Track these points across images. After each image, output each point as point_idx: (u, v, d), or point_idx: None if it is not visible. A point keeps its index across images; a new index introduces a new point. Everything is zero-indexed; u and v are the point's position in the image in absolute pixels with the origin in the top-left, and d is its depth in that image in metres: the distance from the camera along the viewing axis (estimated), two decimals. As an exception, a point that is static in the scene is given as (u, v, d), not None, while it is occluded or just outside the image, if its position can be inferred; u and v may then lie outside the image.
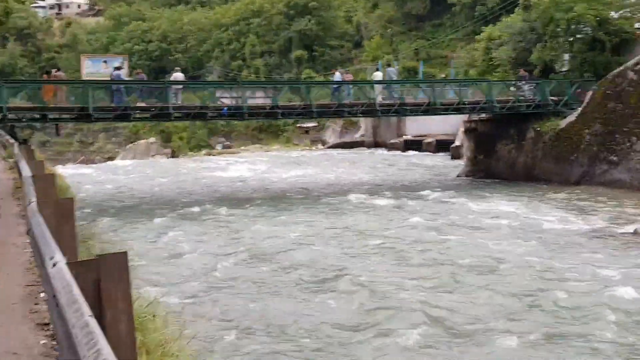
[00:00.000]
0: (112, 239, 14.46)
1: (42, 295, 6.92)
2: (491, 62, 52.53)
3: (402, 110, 31.85)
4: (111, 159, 72.24)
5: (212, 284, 15.41)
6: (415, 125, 50.46)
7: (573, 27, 39.37)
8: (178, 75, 31.89)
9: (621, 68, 31.66)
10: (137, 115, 29.76)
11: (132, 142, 77.05)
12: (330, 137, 65.74)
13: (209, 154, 65.16)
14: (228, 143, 72.22)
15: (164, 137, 75.39)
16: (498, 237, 21.95)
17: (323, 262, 18.28)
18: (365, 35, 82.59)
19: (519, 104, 33.03)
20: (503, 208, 26.97)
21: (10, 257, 8.53)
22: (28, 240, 7.96)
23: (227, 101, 30.46)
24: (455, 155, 44.12)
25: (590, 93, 32.30)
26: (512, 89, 34.13)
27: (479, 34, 61.97)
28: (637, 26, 40.22)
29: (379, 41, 78.60)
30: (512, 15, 55.17)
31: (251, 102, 30.75)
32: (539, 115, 33.27)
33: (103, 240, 11.77)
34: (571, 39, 39.72)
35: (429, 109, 32.08)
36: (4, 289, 7.02)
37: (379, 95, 31.86)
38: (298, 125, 68.82)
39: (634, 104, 30.09)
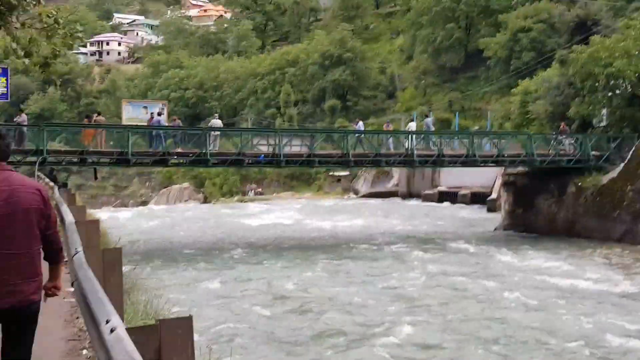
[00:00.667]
0: (153, 287, 14.00)
1: (84, 352, 6.44)
2: (527, 116, 51.99)
3: (440, 161, 31.32)
4: (144, 203, 72.52)
5: (257, 336, 14.88)
6: (450, 177, 49.85)
7: (612, 82, 38.80)
8: (216, 122, 31.76)
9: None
10: (175, 161, 29.50)
11: (165, 187, 77.32)
12: (363, 186, 65.21)
13: (241, 201, 64.97)
14: (260, 190, 71.97)
15: (197, 183, 75.48)
16: (539, 294, 21.20)
17: (355, 312, 18.01)
18: (398, 86, 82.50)
19: (559, 158, 32.32)
20: (543, 264, 26.17)
21: (49, 307, 8.08)
22: (71, 290, 7.50)
23: (263, 148, 30.23)
24: (492, 208, 43.28)
25: (633, 148, 31.57)
26: (552, 142, 33.43)
27: (514, 87, 61.67)
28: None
29: (413, 92, 78.51)
30: (548, 69, 54.81)
31: (287, 149, 30.52)
32: (579, 170, 32.53)
33: (145, 288, 11.32)
34: (610, 94, 39.10)
35: (467, 161, 31.50)
36: (44, 344, 6.54)
37: (415, 146, 31.53)
38: (330, 173, 68.42)
39: (680, 160, 29.32)
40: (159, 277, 20.26)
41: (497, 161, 32.04)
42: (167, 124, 31.43)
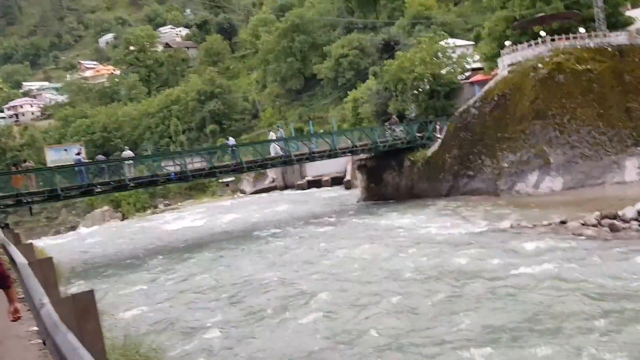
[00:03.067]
0: (112, 304, 11.32)
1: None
2: (359, 116, 51.84)
3: (312, 157, 29.73)
4: (73, 228, 66.00)
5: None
6: (313, 168, 48.41)
7: (416, 83, 39.19)
8: (128, 153, 28.42)
9: (465, 106, 31.05)
10: (99, 190, 25.80)
11: (88, 212, 70.92)
12: (246, 186, 62.65)
13: (154, 213, 60.46)
14: (167, 202, 67.60)
15: (115, 204, 69.77)
16: (396, 239, 20.58)
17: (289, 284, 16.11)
18: (259, 109, 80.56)
19: (395, 142, 31.74)
20: (402, 220, 25.33)
21: (16, 354, 5.57)
22: (35, 328, 5.09)
23: (170, 168, 27.38)
24: (348, 187, 42.37)
25: (445, 128, 31.50)
26: (388, 132, 32.76)
27: (344, 98, 61.63)
28: (460, 78, 40.73)
29: (271, 111, 76.96)
30: (367, 81, 54.99)
31: (190, 166, 27.74)
32: (410, 149, 32.14)
33: (104, 309, 8.80)
34: (415, 92, 39.47)
35: (331, 154, 30.15)
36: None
37: (274, 149, 29.18)
38: (220, 180, 65.26)
39: (479, 131, 29.45)
40: (114, 292, 17.01)
41: (352, 151, 30.95)
42: (87, 161, 27.51)
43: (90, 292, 4.43)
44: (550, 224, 19.84)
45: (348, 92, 59.56)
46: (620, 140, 25.85)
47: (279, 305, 13.65)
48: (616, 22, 32.56)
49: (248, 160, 27.88)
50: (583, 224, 18.47)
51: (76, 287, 14.85)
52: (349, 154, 31.42)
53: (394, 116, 34.75)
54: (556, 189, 25.86)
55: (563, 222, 19.57)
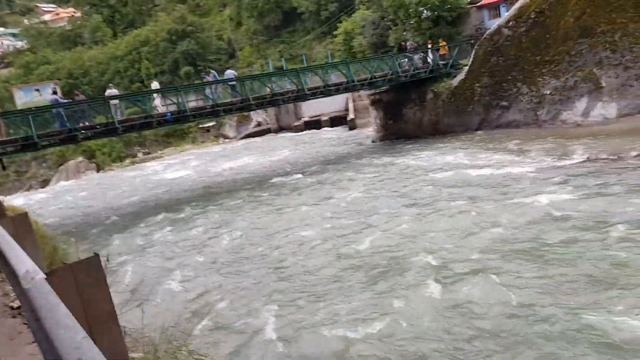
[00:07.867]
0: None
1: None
2: (352, 51, 47.24)
3: (327, 91, 25.34)
4: (46, 182, 60.48)
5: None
6: (310, 108, 43.89)
7: (420, 9, 35.16)
8: (113, 91, 23.53)
9: (495, 26, 26.93)
10: (82, 136, 21.02)
11: (61, 164, 65.15)
12: (229, 131, 57.73)
13: (134, 163, 55.40)
14: (146, 150, 62.34)
15: (88, 155, 64.08)
16: (471, 185, 16.88)
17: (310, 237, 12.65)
18: (236, 47, 74.63)
19: (418, 71, 27.56)
20: (444, 159, 21.55)
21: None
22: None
23: (163, 108, 22.97)
24: (352, 127, 38.18)
25: (473, 54, 27.44)
26: (404, 60, 28.50)
27: (329, 33, 56.65)
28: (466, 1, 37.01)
29: (250, 50, 71.33)
30: (358, 11, 50.16)
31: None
32: (432, 79, 28.06)
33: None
34: (418, 19, 35.46)
35: (348, 87, 25.85)
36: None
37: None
38: (200, 126, 60.15)
39: (513, 55, 25.52)
40: (136, 262, 13.07)
41: (370, 83, 26.58)
42: (64, 101, 22.46)
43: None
44: (638, 155, 16.43)
45: (332, 26, 54.68)
46: (682, 59, 22.30)
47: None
48: None
49: (256, 97, 23.40)
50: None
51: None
52: (367, 87, 27.05)
53: (409, 43, 30.46)
54: (610, 116, 22.37)
55: (655, 153, 16.17)
